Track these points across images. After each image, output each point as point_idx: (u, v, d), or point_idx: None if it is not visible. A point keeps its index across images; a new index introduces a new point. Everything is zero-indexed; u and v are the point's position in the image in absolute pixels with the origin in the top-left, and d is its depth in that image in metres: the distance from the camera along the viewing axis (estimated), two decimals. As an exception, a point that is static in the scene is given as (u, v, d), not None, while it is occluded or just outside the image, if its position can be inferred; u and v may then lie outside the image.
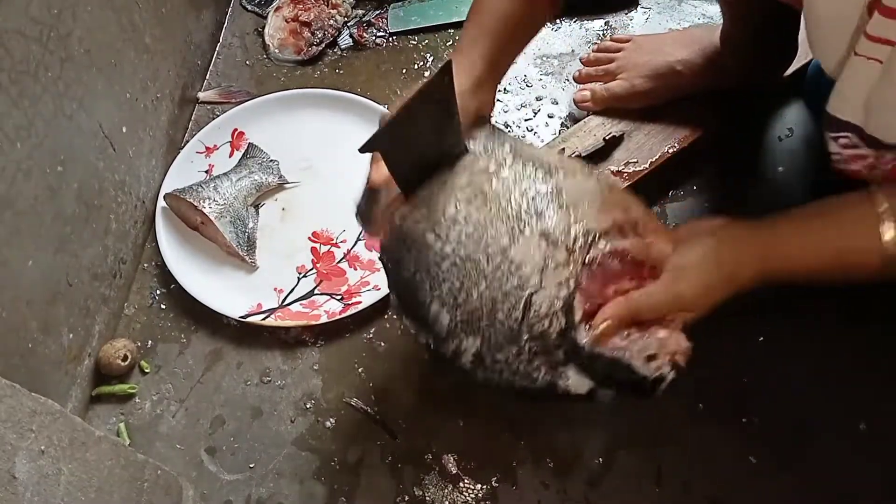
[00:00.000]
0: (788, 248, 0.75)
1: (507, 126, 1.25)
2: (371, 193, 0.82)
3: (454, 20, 1.38)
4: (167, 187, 1.17)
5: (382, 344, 1.07)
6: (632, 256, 0.74)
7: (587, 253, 0.73)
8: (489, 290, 0.73)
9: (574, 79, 1.25)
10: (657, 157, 1.13)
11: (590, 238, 0.73)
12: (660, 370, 0.72)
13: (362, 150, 0.73)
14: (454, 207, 0.76)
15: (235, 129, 1.26)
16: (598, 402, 0.75)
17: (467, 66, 0.83)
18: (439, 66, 0.76)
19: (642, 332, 0.73)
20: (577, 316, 0.72)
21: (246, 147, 1.23)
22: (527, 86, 1.30)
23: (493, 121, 0.89)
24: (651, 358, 0.72)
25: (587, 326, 0.72)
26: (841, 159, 0.79)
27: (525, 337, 0.72)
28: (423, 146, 0.78)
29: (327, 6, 1.39)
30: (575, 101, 1.21)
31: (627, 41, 1.21)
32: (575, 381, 0.73)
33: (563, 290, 0.72)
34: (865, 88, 0.69)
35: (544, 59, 1.33)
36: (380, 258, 0.84)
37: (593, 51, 1.25)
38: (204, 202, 1.11)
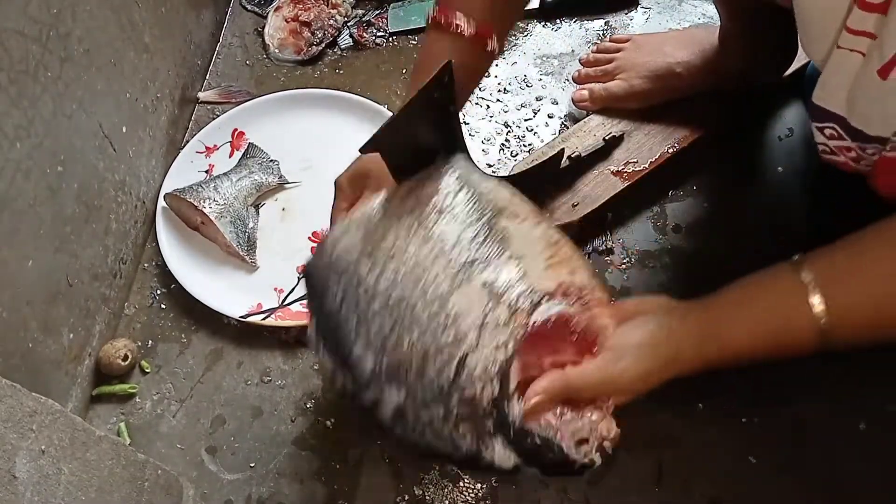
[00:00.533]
0: (725, 333, 0.71)
1: (506, 126, 1.25)
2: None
3: (454, 20, 1.38)
4: (167, 187, 1.17)
5: (382, 344, 1.07)
6: (573, 326, 0.70)
7: (529, 316, 0.68)
8: (421, 340, 0.66)
9: (573, 79, 1.25)
10: (657, 157, 1.13)
11: (534, 299, 0.68)
12: (589, 455, 0.68)
13: (363, 150, 0.73)
14: (393, 238, 0.70)
15: (235, 129, 1.26)
16: (520, 476, 0.71)
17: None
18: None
19: (575, 411, 0.69)
20: (512, 385, 0.67)
21: (246, 147, 1.23)
22: (527, 86, 1.30)
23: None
24: (581, 441, 0.68)
25: (520, 398, 0.67)
26: (827, 150, 0.80)
27: (454, 399, 0.66)
28: (423, 146, 0.77)
29: (327, 6, 1.39)
30: (573, 101, 1.21)
31: (626, 41, 1.21)
32: (500, 454, 0.68)
33: (501, 354, 0.66)
34: (848, 80, 0.69)
35: (544, 59, 1.33)
36: (304, 279, 0.77)
37: (592, 52, 1.25)
38: (204, 202, 1.11)
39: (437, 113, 0.76)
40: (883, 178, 0.77)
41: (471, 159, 0.81)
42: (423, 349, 0.66)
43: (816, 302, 0.67)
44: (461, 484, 0.96)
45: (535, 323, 0.68)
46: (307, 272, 0.76)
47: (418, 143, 0.77)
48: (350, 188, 0.84)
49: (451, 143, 0.80)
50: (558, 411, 0.68)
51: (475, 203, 0.73)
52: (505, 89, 1.30)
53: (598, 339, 0.71)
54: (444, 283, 0.67)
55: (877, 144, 0.73)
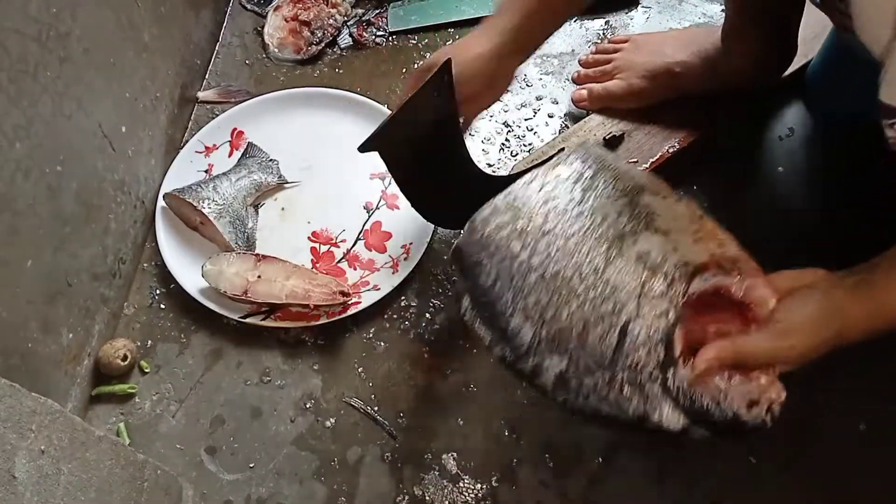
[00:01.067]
0: (891, 304, 0.73)
1: (506, 126, 1.25)
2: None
3: (454, 19, 1.38)
4: (166, 187, 1.17)
5: (382, 344, 1.07)
6: (732, 296, 0.72)
7: (687, 286, 0.71)
8: (581, 310, 0.70)
9: (572, 80, 1.26)
10: (657, 157, 1.13)
11: (690, 269, 0.71)
12: (760, 417, 0.69)
13: (361, 149, 0.73)
14: (542, 218, 0.74)
15: (235, 129, 1.25)
16: (686, 439, 0.71)
17: (491, 35, 0.84)
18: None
19: (744, 376, 0.70)
20: (677, 350, 0.69)
21: (245, 146, 1.23)
22: (527, 85, 1.30)
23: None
24: (752, 404, 0.69)
25: (685, 363, 0.69)
26: None
27: (619, 365, 0.69)
28: (422, 145, 0.77)
29: (327, 5, 1.39)
30: (573, 101, 1.21)
31: (625, 42, 1.21)
32: (669, 416, 0.70)
33: (663, 322, 0.70)
34: None
35: (544, 58, 1.33)
36: (453, 257, 0.79)
37: (591, 53, 1.25)
38: (203, 202, 1.11)
39: (437, 112, 0.76)
40: None
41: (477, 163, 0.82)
42: (582, 319, 0.70)
43: None
44: (461, 484, 0.96)
45: (694, 293, 0.71)
46: (458, 251, 0.78)
47: (417, 142, 0.77)
48: (416, 80, 0.82)
49: (451, 143, 0.80)
50: (727, 375, 0.69)
51: (616, 181, 0.76)
52: (505, 89, 1.30)
53: (757, 310, 0.72)
54: (598, 257, 0.71)
55: None
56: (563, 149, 1.11)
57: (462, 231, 0.78)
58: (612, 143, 1.14)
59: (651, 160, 1.12)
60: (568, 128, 1.22)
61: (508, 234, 0.74)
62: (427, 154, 0.79)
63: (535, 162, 1.11)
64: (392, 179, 1.03)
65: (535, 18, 0.87)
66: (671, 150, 1.13)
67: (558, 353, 0.70)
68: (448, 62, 0.74)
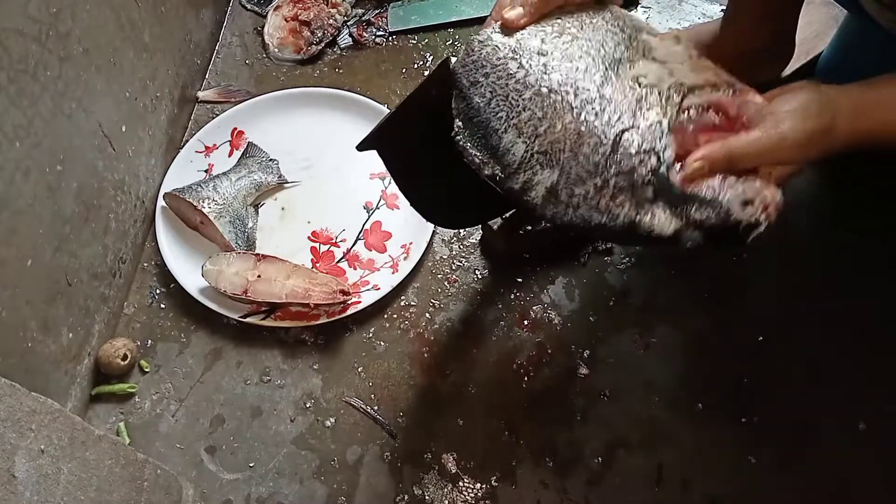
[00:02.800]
0: (885, 107, 0.73)
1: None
2: None
3: (454, 19, 1.38)
4: (167, 187, 1.17)
5: (382, 344, 1.07)
6: (726, 111, 0.72)
7: (681, 101, 0.71)
8: (575, 122, 0.71)
9: None
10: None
11: (684, 88, 0.72)
12: (754, 216, 0.68)
13: (359, 147, 0.73)
14: (539, 41, 0.75)
15: (235, 129, 1.26)
16: (680, 246, 0.70)
17: None
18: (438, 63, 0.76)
19: (738, 177, 0.69)
20: (671, 156, 0.70)
21: (245, 146, 1.23)
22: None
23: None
24: (747, 203, 0.68)
25: (679, 167, 0.69)
26: None
27: (612, 171, 0.70)
28: (421, 143, 0.77)
29: (327, 5, 1.39)
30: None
31: None
32: (661, 220, 0.69)
33: (657, 131, 0.70)
34: None
35: (544, 58, 1.33)
36: (450, 78, 0.78)
37: None
38: (203, 202, 1.11)
39: (436, 110, 0.76)
40: None
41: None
42: (576, 130, 0.71)
43: None
44: (461, 484, 0.96)
45: (688, 106, 0.71)
46: (454, 72, 0.77)
47: (416, 140, 0.77)
48: None
49: (450, 141, 0.80)
50: (720, 176, 0.69)
51: (614, 19, 0.78)
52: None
53: (751, 121, 0.72)
54: (596, 76, 0.72)
55: None
56: None
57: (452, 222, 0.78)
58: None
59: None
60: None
61: (505, 54, 0.75)
62: (426, 153, 0.79)
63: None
64: (391, 179, 1.03)
65: None
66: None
67: (549, 167, 0.71)
68: (446, 60, 0.74)
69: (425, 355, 1.05)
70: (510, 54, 0.75)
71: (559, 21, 0.77)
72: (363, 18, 1.40)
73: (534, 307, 1.07)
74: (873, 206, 1.11)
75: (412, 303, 1.09)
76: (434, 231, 1.13)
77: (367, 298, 1.07)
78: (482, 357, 1.05)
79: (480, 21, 1.37)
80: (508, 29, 0.77)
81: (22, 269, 0.86)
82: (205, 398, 1.04)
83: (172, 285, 1.11)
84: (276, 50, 1.36)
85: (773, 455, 0.96)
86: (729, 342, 1.03)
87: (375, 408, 1.02)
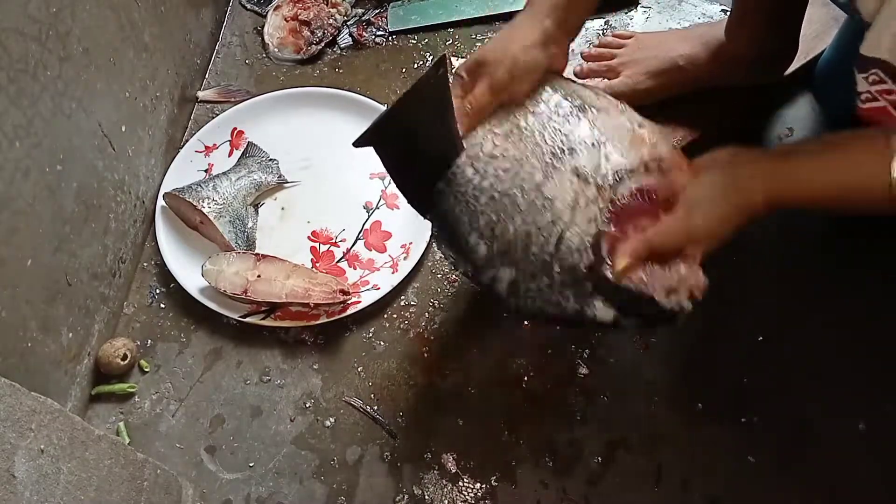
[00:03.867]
0: (797, 178, 0.77)
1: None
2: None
3: (454, 19, 1.38)
4: (166, 186, 1.17)
5: (381, 343, 1.07)
6: (654, 192, 0.78)
7: (615, 191, 0.77)
8: (524, 224, 0.78)
9: (575, 73, 1.25)
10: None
11: (618, 176, 0.77)
12: (679, 303, 0.76)
13: (356, 144, 0.72)
14: (492, 143, 0.81)
15: (235, 128, 1.26)
16: (622, 329, 0.79)
17: (535, 21, 0.86)
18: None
19: (664, 266, 0.76)
20: (604, 251, 0.76)
21: (245, 146, 1.23)
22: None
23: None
24: (671, 292, 0.76)
25: (611, 261, 0.76)
26: (870, 97, 0.81)
27: (556, 269, 0.77)
28: (417, 141, 0.77)
29: (327, 5, 1.39)
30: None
31: (630, 37, 1.21)
32: (601, 310, 0.77)
33: (593, 227, 0.77)
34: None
35: (544, 58, 1.33)
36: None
37: (595, 46, 1.25)
38: (203, 202, 1.11)
39: (433, 108, 0.76)
40: None
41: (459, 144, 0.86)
42: (525, 231, 0.78)
43: None
44: (460, 483, 0.96)
45: (620, 196, 0.78)
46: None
47: (413, 137, 0.77)
48: (468, 76, 0.85)
49: (447, 138, 0.80)
50: (648, 269, 0.76)
51: (560, 101, 0.84)
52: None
53: (676, 199, 0.78)
54: (538, 174, 0.79)
55: None
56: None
57: None
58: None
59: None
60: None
61: (463, 161, 0.82)
62: (423, 150, 0.79)
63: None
64: (390, 178, 1.03)
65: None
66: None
67: (508, 265, 0.79)
68: (443, 58, 0.74)
69: (425, 355, 1.05)
70: (468, 161, 0.81)
71: (509, 119, 0.83)
72: (363, 18, 1.40)
73: (534, 307, 1.07)
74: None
75: (412, 303, 1.09)
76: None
77: (367, 298, 1.07)
78: (482, 357, 1.05)
79: (480, 21, 1.37)
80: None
81: (22, 268, 0.86)
82: (205, 398, 1.04)
83: (172, 285, 1.11)
84: (275, 50, 1.36)
85: (773, 455, 0.96)
86: (729, 342, 1.03)
87: (375, 408, 1.02)
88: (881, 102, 0.81)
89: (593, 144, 0.80)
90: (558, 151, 0.79)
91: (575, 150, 0.79)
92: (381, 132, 0.73)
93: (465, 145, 0.82)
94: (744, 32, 1.09)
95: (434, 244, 0.85)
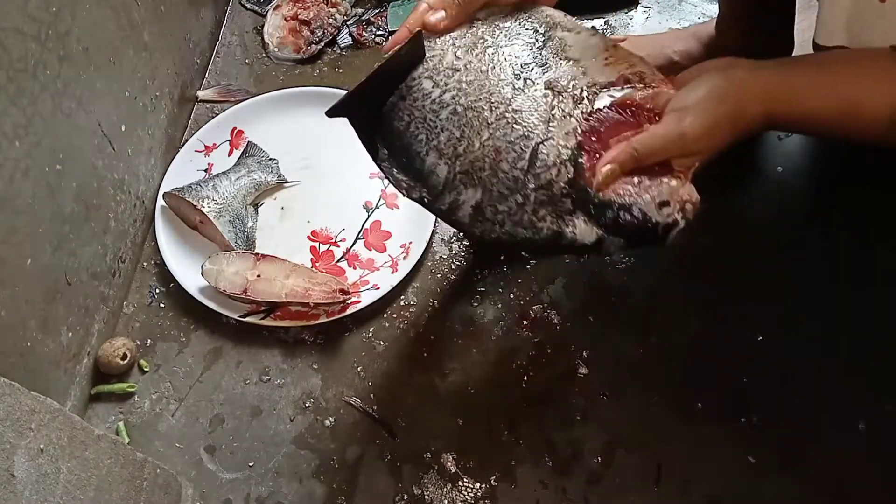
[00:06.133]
0: (797, 90, 0.71)
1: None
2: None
3: (454, 19, 1.37)
4: (166, 186, 1.17)
5: (381, 343, 1.07)
6: (637, 106, 0.72)
7: (593, 103, 0.72)
8: (492, 139, 0.71)
9: None
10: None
11: (596, 89, 0.72)
12: (672, 216, 0.69)
13: (329, 114, 0.72)
14: (453, 55, 0.74)
15: (234, 128, 1.26)
16: (603, 252, 0.72)
17: None
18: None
19: (653, 179, 0.70)
20: (585, 164, 0.70)
21: (245, 146, 1.23)
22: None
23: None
24: (663, 205, 0.69)
25: (593, 174, 0.70)
26: None
27: (531, 186, 0.71)
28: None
29: (327, 5, 1.39)
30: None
31: (623, 40, 1.21)
32: (582, 229, 0.71)
33: (571, 140, 0.71)
34: (845, 9, 0.71)
35: (544, 58, 1.33)
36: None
37: None
38: (203, 201, 1.11)
39: (407, 79, 0.75)
40: None
41: None
42: (494, 147, 0.71)
43: None
44: (460, 483, 0.96)
45: (600, 108, 0.72)
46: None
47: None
48: None
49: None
50: (636, 180, 0.70)
51: (529, 19, 0.77)
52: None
53: (662, 111, 0.72)
54: (507, 87, 0.72)
55: None
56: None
57: None
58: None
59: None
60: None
61: (420, 73, 0.75)
62: None
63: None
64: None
65: None
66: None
67: (472, 186, 0.72)
68: (419, 33, 0.73)
69: (425, 355, 1.05)
70: (424, 73, 0.75)
71: (473, 30, 0.77)
72: (363, 18, 1.40)
73: (533, 307, 1.07)
74: (875, 206, 1.11)
75: (412, 302, 1.09)
76: (434, 230, 1.12)
77: (367, 298, 1.07)
78: (482, 357, 1.05)
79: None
80: (431, 34, 0.77)
81: (21, 268, 0.86)
82: (204, 397, 1.04)
83: (172, 285, 1.11)
84: (275, 49, 1.36)
85: (773, 455, 0.96)
86: (729, 342, 1.03)
87: (375, 407, 1.02)
88: None
89: (567, 59, 0.74)
90: (528, 65, 0.73)
91: (547, 63, 0.74)
92: (354, 103, 0.73)
93: (420, 65, 0.76)
94: (734, 28, 1.10)
95: (386, 177, 0.76)
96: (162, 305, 1.12)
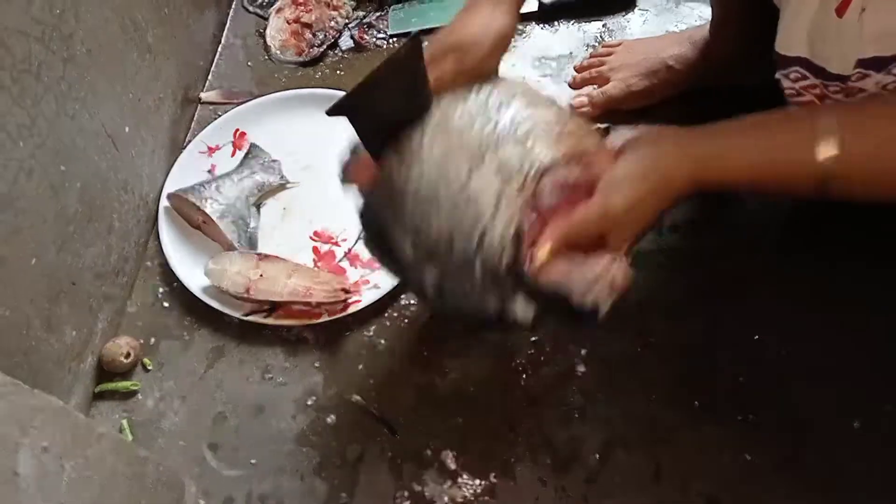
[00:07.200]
0: (724, 157, 0.72)
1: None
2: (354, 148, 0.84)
3: (454, 21, 1.38)
4: (169, 187, 1.18)
5: (383, 341, 1.07)
6: (576, 186, 0.74)
7: (536, 184, 0.73)
8: (448, 221, 0.74)
9: (569, 85, 1.26)
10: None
11: (541, 170, 0.74)
12: (600, 297, 0.71)
13: (329, 113, 0.73)
14: (419, 137, 0.77)
15: (237, 130, 1.26)
16: (546, 328, 0.78)
17: None
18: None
19: (584, 259, 0.72)
20: (524, 247, 0.73)
21: (248, 147, 1.24)
22: (526, 86, 1.30)
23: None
24: (591, 285, 0.71)
25: (531, 258, 0.73)
26: (794, 92, 0.81)
27: (479, 268, 0.74)
28: (390, 114, 0.78)
29: (328, 8, 1.40)
30: (573, 107, 1.21)
31: (618, 45, 1.22)
32: (522, 309, 0.74)
33: (514, 222, 0.73)
34: (807, 21, 0.72)
35: (542, 60, 1.33)
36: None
37: (585, 58, 1.26)
38: (206, 202, 1.12)
39: (406, 82, 0.76)
40: None
41: None
42: (449, 229, 0.74)
43: (827, 148, 0.66)
44: (460, 480, 0.96)
45: (541, 190, 0.74)
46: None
47: (386, 110, 0.77)
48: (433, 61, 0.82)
49: (422, 110, 0.80)
50: (568, 261, 0.72)
51: (490, 92, 0.79)
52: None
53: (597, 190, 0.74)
54: (463, 169, 0.74)
55: (838, 82, 0.74)
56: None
57: None
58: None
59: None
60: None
61: (392, 160, 0.78)
62: (396, 121, 0.79)
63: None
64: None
65: None
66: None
67: (432, 264, 0.76)
68: (418, 33, 0.74)
69: (425, 353, 1.06)
70: (396, 159, 0.78)
71: (440, 109, 0.79)
72: (364, 21, 1.41)
73: (533, 306, 1.08)
74: (874, 206, 1.11)
75: (412, 301, 1.10)
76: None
77: (368, 297, 1.08)
78: (482, 356, 1.05)
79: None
80: None
81: (26, 268, 0.87)
82: (207, 396, 1.05)
83: (175, 284, 1.12)
84: (277, 52, 1.37)
85: (771, 454, 0.96)
86: (728, 342, 1.03)
87: (376, 405, 1.02)
88: (807, 97, 0.80)
89: (518, 139, 0.76)
90: (484, 145, 0.75)
91: (501, 143, 0.75)
92: (355, 102, 0.74)
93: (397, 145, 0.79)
94: (725, 33, 1.10)
95: (362, 239, 0.83)
96: (165, 305, 1.12)
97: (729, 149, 0.73)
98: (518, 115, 0.78)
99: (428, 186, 0.75)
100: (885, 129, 0.67)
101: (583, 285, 0.71)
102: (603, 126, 1.14)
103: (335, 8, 1.39)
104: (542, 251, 0.71)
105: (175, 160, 1.22)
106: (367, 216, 0.83)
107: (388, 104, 0.76)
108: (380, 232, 0.80)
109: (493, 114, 0.78)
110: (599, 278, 0.71)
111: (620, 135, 0.80)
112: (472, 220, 0.73)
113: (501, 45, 0.83)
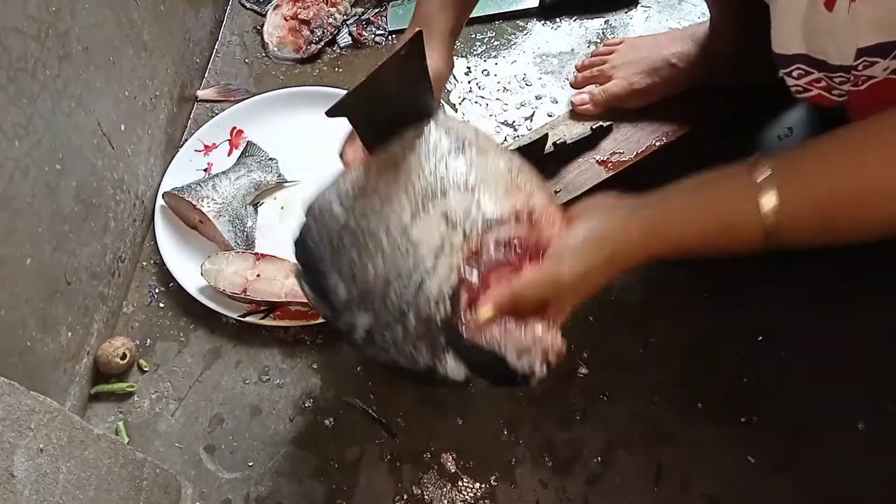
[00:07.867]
0: (671, 221, 0.71)
1: (506, 124, 1.25)
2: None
3: (453, 18, 1.37)
4: (166, 186, 1.17)
5: (381, 343, 1.07)
6: (522, 246, 0.73)
7: (480, 240, 0.72)
8: (384, 268, 0.72)
9: (571, 85, 1.26)
10: (643, 148, 1.13)
11: (487, 225, 0.72)
12: (531, 366, 0.70)
13: (329, 114, 0.72)
14: (363, 178, 0.76)
15: (234, 128, 1.26)
16: (475, 388, 0.76)
17: (436, 39, 0.86)
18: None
19: (520, 323, 0.70)
20: (462, 303, 0.71)
21: (245, 145, 1.23)
22: (526, 85, 1.30)
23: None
24: (523, 353, 0.70)
25: (469, 315, 0.71)
26: (800, 89, 0.80)
27: (412, 319, 0.71)
28: (391, 114, 0.77)
29: (326, 4, 1.39)
30: (573, 105, 1.20)
31: (619, 43, 1.22)
32: (452, 367, 0.72)
33: (453, 277, 0.71)
34: (798, 18, 0.71)
35: (544, 58, 1.33)
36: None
37: (587, 57, 1.26)
38: (202, 201, 1.11)
39: (407, 81, 0.76)
40: (860, 111, 0.77)
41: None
42: (385, 276, 0.72)
43: (768, 200, 0.65)
44: (460, 483, 0.96)
45: (485, 246, 0.72)
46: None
47: (387, 110, 0.76)
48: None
49: (423, 110, 0.79)
50: (505, 325, 0.70)
51: (441, 138, 0.78)
52: (505, 88, 1.30)
53: (545, 252, 0.73)
54: (406, 215, 0.73)
55: (842, 73, 0.74)
56: (546, 134, 1.12)
57: None
58: (599, 133, 1.14)
59: (637, 151, 1.13)
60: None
61: (331, 198, 0.77)
62: (397, 122, 0.78)
63: (518, 146, 1.11)
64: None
65: (460, 9, 0.89)
66: (658, 144, 1.13)
67: (366, 310, 0.73)
68: (419, 33, 0.74)
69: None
70: (334, 198, 0.77)
71: (386, 153, 0.77)
72: (363, 17, 1.40)
73: (533, 307, 1.07)
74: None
75: (411, 302, 1.09)
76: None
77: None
78: (481, 356, 1.04)
79: (480, 20, 1.37)
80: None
81: (21, 267, 0.86)
82: (204, 397, 1.04)
83: (171, 284, 1.11)
84: (275, 49, 1.36)
85: (772, 455, 0.96)
86: (729, 342, 1.03)
87: (374, 407, 1.02)
88: (813, 92, 0.80)
89: (466, 188, 0.74)
90: (430, 193, 0.73)
91: (447, 192, 0.74)
92: (355, 103, 0.73)
93: (332, 189, 0.78)
94: (723, 33, 1.10)
95: (295, 277, 0.80)
96: (161, 305, 1.12)
97: (677, 211, 0.71)
98: (468, 161, 0.76)
99: (368, 228, 0.74)
100: (823, 182, 0.65)
101: (520, 348, 0.70)
102: (606, 124, 1.14)
103: (333, 4, 1.39)
104: (485, 310, 0.70)
105: (171, 158, 1.21)
106: (302, 247, 0.79)
107: (389, 104, 0.76)
108: (315, 266, 0.77)
109: (442, 158, 0.76)
110: (535, 345, 0.70)
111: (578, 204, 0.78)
112: (411, 267, 0.71)
113: (436, 88, 0.83)
